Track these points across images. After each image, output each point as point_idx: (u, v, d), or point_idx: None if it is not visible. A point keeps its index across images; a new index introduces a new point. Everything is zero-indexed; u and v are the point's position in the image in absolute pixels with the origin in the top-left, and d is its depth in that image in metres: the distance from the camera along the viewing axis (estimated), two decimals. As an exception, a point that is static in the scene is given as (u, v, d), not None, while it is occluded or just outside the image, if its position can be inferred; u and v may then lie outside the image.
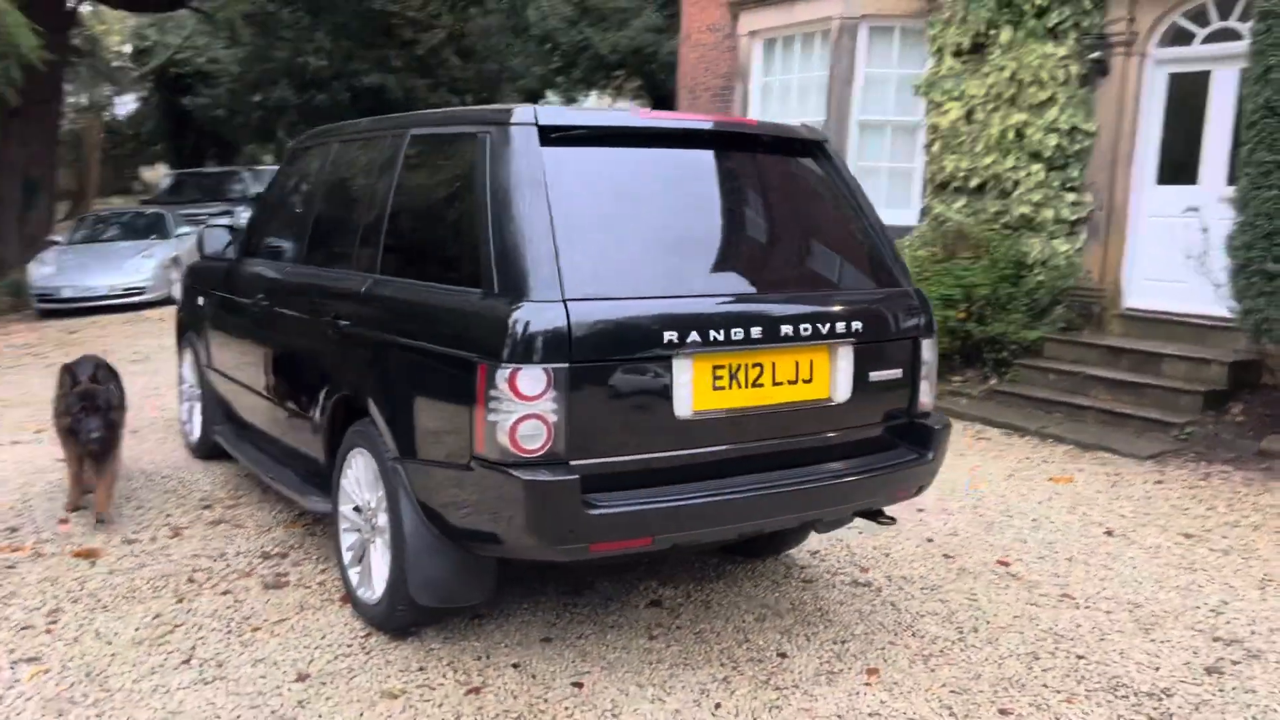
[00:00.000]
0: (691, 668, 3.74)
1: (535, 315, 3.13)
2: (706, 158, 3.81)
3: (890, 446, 3.93)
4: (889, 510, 4.03)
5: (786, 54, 11.30)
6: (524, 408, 3.11)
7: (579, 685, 3.58)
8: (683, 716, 3.40)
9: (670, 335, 3.28)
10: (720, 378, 3.42)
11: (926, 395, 4.01)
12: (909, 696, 3.58)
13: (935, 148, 9.69)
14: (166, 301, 14.10)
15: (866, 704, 3.52)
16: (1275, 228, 6.54)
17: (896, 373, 3.87)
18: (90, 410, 4.86)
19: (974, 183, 9.32)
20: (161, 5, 20.49)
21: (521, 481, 3.10)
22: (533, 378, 3.10)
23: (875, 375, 3.80)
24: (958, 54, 9.44)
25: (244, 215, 18.00)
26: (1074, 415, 7.72)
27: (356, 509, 4.00)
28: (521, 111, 3.47)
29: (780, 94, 11.40)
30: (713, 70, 12.53)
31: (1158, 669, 3.87)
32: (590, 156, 3.56)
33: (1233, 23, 8.03)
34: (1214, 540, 5.29)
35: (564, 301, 3.16)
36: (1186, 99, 8.38)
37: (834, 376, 3.68)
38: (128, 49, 35.78)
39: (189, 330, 6.22)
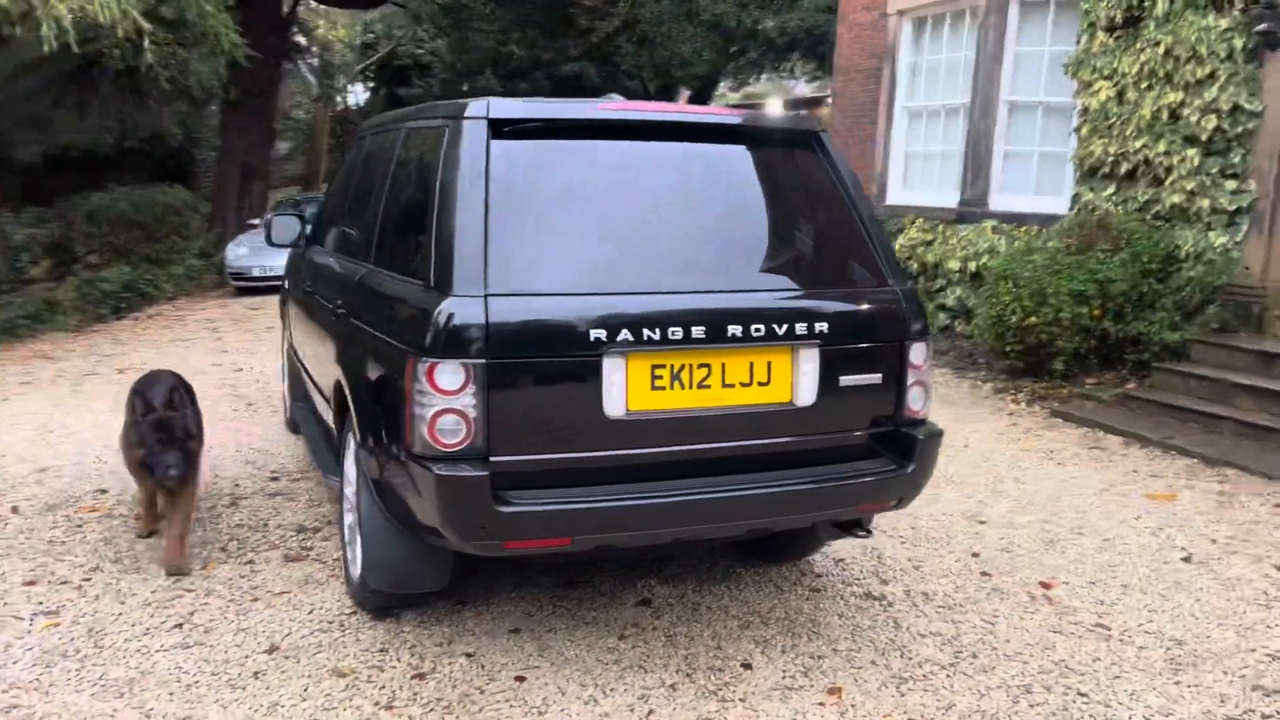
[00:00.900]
0: (646, 671, 3.67)
1: (455, 310, 3.14)
2: (674, 150, 3.70)
3: (873, 455, 3.71)
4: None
5: (935, 33, 10.77)
6: (443, 402, 3.13)
7: (521, 679, 3.58)
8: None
9: (598, 333, 3.21)
10: (660, 378, 3.33)
11: (917, 403, 3.75)
12: (861, 721, 3.39)
13: (1084, 131, 8.99)
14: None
15: (810, 724, 3.36)
16: None
17: (875, 378, 3.64)
18: (166, 442, 4.22)
19: (1123, 169, 8.59)
20: (365, 2, 21.63)
21: (433, 476, 3.13)
22: (451, 372, 3.12)
23: (848, 380, 3.59)
24: (1109, 29, 8.71)
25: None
26: (1209, 426, 7.02)
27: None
28: (476, 105, 3.48)
29: (928, 75, 10.88)
30: (867, 51, 12.08)
31: (1169, 715, 3.49)
32: (547, 150, 3.53)
33: None
34: (1310, 576, 4.71)
35: (485, 297, 3.16)
36: (1370, 73, 7.41)
37: (796, 380, 3.50)
38: (357, 43, 38.16)
39: (282, 312, 6.62)
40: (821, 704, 3.50)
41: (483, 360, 3.12)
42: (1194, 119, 8.03)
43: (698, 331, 3.32)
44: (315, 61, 30.07)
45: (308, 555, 4.65)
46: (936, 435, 3.77)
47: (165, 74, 14.64)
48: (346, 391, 3.90)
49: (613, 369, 3.25)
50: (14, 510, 5.20)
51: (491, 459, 3.18)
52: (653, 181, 3.61)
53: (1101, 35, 8.77)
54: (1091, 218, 8.61)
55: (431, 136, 3.71)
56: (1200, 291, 7.96)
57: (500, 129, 3.45)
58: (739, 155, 3.80)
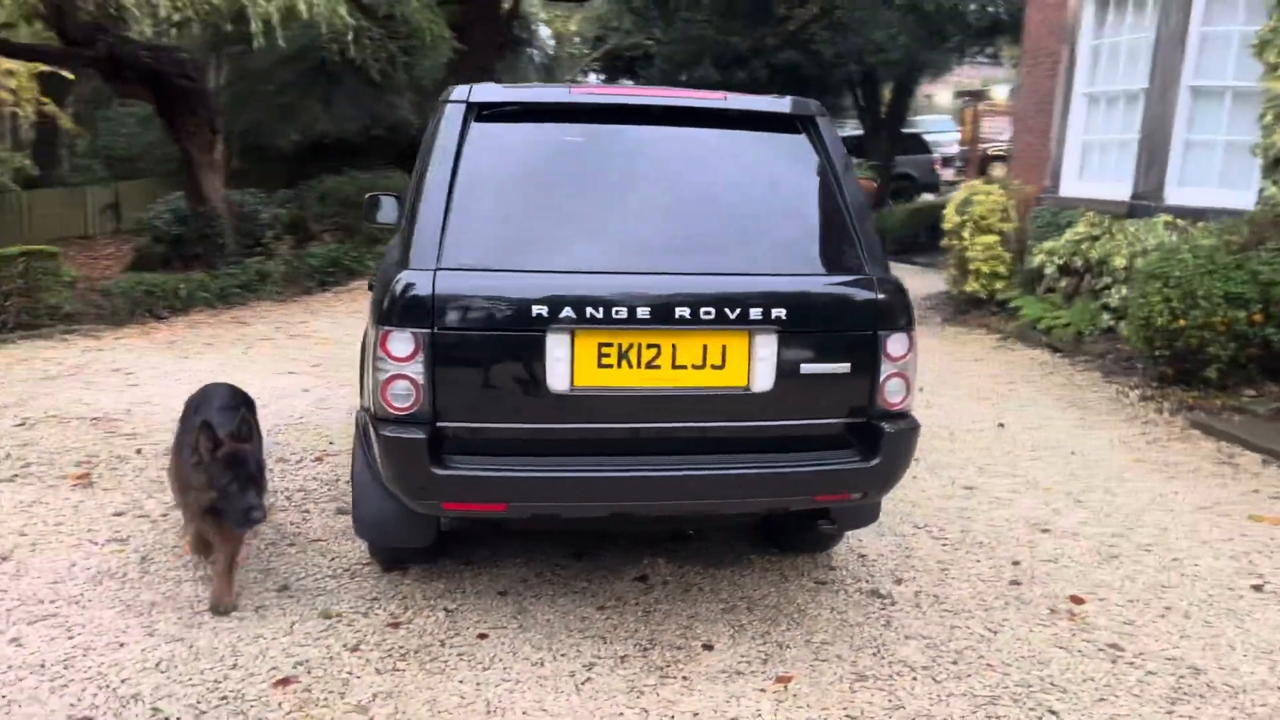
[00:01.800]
0: (607, 642, 3.78)
1: (406, 282, 3.36)
2: (650, 134, 3.76)
3: (846, 445, 3.64)
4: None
5: (1119, 10, 10.04)
6: (395, 368, 3.35)
7: (484, 636, 3.78)
8: (547, 684, 3.48)
9: (540, 310, 3.34)
10: (607, 356, 3.42)
11: (895, 395, 3.64)
12: (794, 711, 3.36)
13: (1268, 118, 8.16)
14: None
15: (739, 707, 3.37)
16: None
17: (843, 367, 3.57)
18: (244, 481, 3.64)
19: (1310, 160, 7.76)
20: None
21: (381, 437, 3.36)
22: (402, 340, 3.34)
23: (810, 368, 3.54)
24: (1300, 4, 7.86)
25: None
26: (1370, 448, 6.28)
27: None
28: (460, 90, 3.68)
29: (1109, 57, 10.17)
30: (1056, 34, 11.42)
31: (1138, 745, 3.26)
32: (523, 133, 3.68)
33: None
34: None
35: (435, 270, 3.35)
36: None
37: (753, 365, 3.49)
38: (590, 35, 39.44)
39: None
40: (762, 690, 3.49)
41: (429, 330, 3.32)
42: (1390, 104, 7.15)
43: (643, 312, 3.38)
44: (539, 54, 31.15)
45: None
46: (909, 430, 3.65)
47: (376, 66, 15.77)
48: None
49: (556, 345, 3.37)
50: (138, 452, 5.89)
51: (438, 424, 3.37)
52: (624, 164, 3.69)
53: (1291, 12, 7.93)
54: (1270, 213, 7.83)
55: (431, 121, 3.94)
56: (1386, 299, 7.10)
57: (481, 112, 3.62)
58: (718, 138, 3.80)
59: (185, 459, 3.84)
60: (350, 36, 13.14)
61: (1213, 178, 9.02)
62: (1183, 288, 7.32)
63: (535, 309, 3.34)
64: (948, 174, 26.37)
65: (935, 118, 35.39)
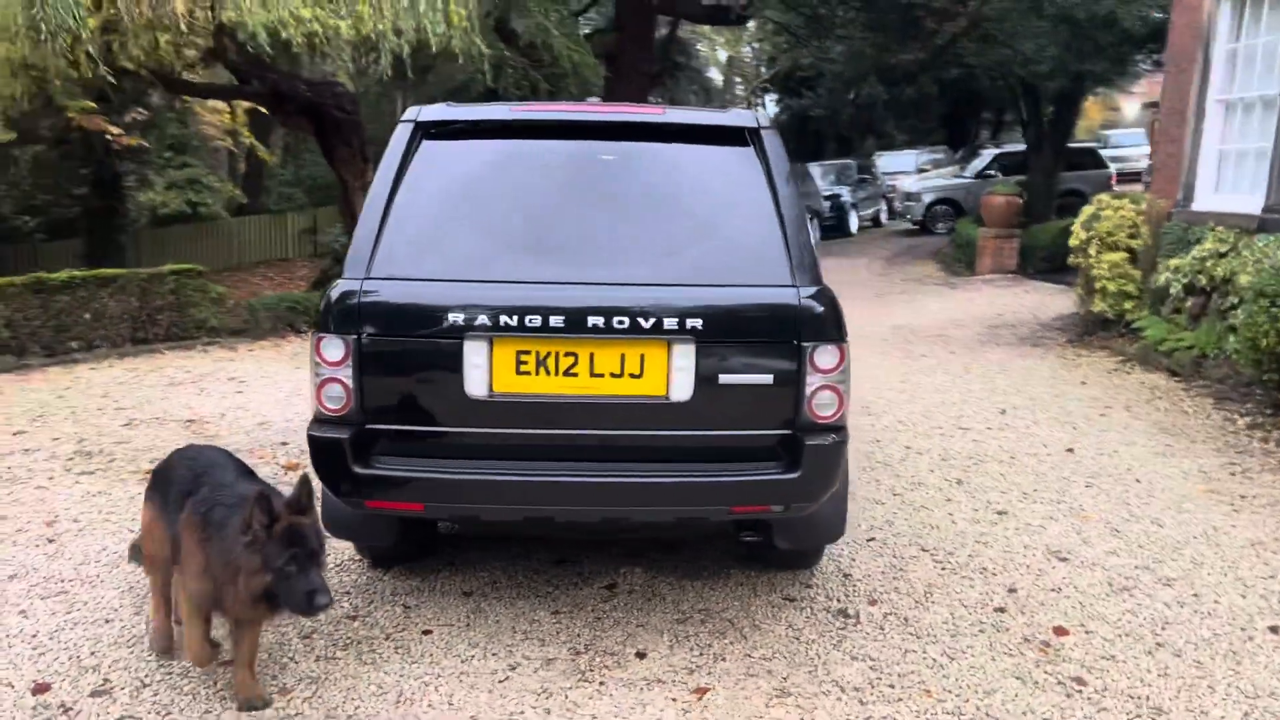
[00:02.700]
0: (543, 644, 3.87)
1: (337, 291, 3.58)
2: (588, 148, 3.84)
3: (769, 457, 3.61)
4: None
5: (1254, 11, 9.34)
6: (329, 372, 3.58)
7: (428, 633, 3.94)
8: (466, 680, 3.60)
9: (456, 318, 3.49)
10: (525, 363, 3.53)
11: (826, 408, 3.58)
12: (697, 722, 3.36)
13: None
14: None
15: (643, 715, 3.39)
16: None
17: (764, 378, 3.54)
18: (305, 561, 3.10)
19: None
20: (733, 19, 22.50)
21: (309, 436, 3.59)
22: (333, 345, 3.56)
23: (730, 378, 3.53)
24: None
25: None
26: None
27: None
28: (411, 110, 3.88)
29: (1245, 61, 9.46)
30: (1200, 38, 10.72)
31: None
32: (466, 149, 3.85)
33: None
34: None
35: (363, 279, 3.56)
36: None
37: (671, 374, 3.52)
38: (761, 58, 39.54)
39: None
40: (674, 699, 3.49)
41: (355, 336, 3.52)
42: None
43: (557, 321, 3.47)
44: (700, 77, 31.46)
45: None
46: (835, 443, 3.57)
47: (518, 95, 16.40)
48: None
49: (473, 352, 3.51)
50: (209, 452, 6.39)
51: (367, 426, 3.57)
52: (560, 178, 3.79)
53: None
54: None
55: None
56: None
57: (430, 131, 3.82)
58: (655, 151, 3.85)
59: (209, 538, 3.22)
60: (486, 66, 13.74)
61: (1354, 189, 8.25)
62: (1290, 306, 6.75)
63: (452, 317, 3.49)
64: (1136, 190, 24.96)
65: (1126, 131, 33.58)
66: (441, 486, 3.53)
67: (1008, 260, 15.74)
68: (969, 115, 34.60)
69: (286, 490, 3.30)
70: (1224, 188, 9.77)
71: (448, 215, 3.72)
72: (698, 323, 3.48)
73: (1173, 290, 9.60)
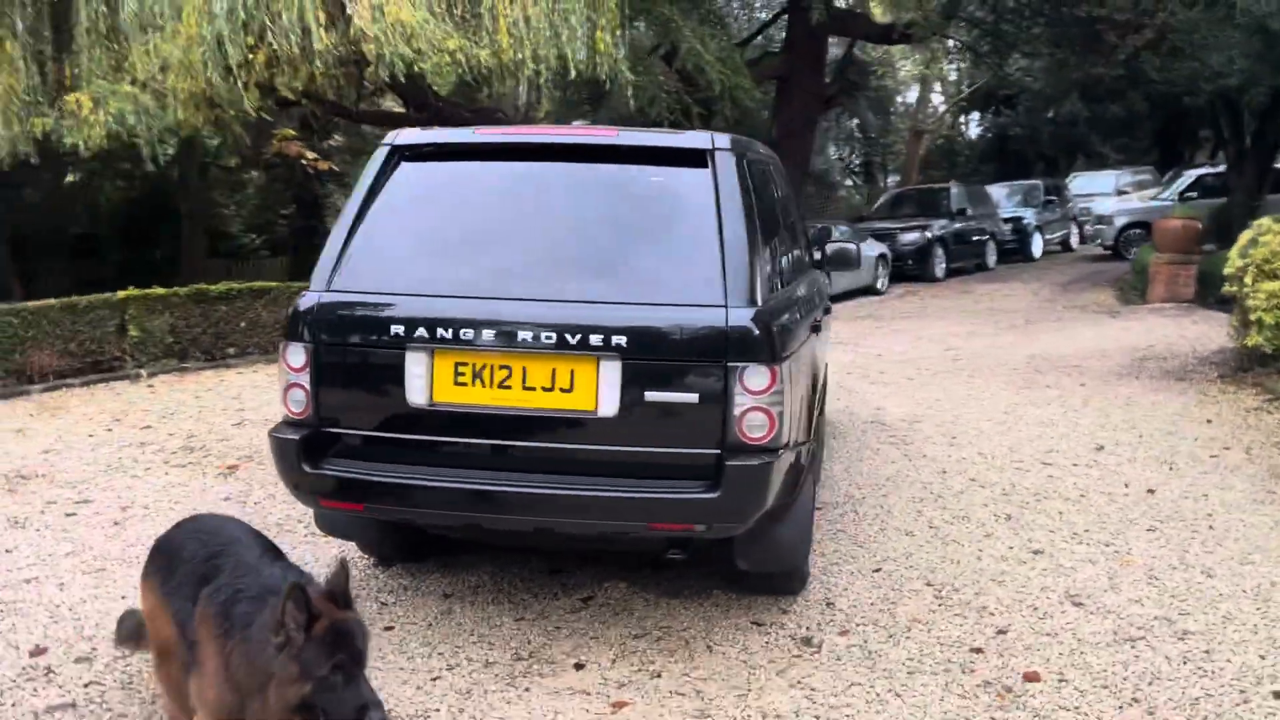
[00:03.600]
0: (490, 648, 3.99)
1: (303, 302, 3.85)
2: (548, 169, 3.96)
3: (696, 475, 3.60)
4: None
5: None
6: (292, 377, 3.85)
7: (389, 629, 4.14)
8: (403, 676, 3.78)
9: (399, 329, 3.68)
10: (463, 374, 3.68)
11: (756, 430, 3.55)
12: (599, 734, 3.40)
13: None
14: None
15: (551, 723, 3.46)
16: None
17: (690, 397, 3.55)
18: (353, 667, 2.56)
19: None
20: (903, 37, 21.99)
21: (269, 436, 3.87)
22: (295, 353, 3.83)
23: (655, 396, 3.56)
24: None
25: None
26: None
27: None
28: (391, 134, 4.12)
29: None
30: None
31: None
32: (435, 171, 4.06)
33: None
34: None
35: (323, 292, 3.81)
36: None
37: (600, 390, 3.59)
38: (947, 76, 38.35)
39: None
40: (588, 710, 3.54)
41: (314, 344, 3.78)
42: None
43: (489, 334, 3.61)
44: (880, 99, 30.80)
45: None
46: (760, 465, 3.52)
47: (669, 119, 16.65)
48: None
49: (414, 362, 3.69)
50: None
51: (323, 429, 3.81)
52: (512, 197, 3.94)
53: None
54: None
55: None
56: None
57: (405, 154, 4.05)
58: (610, 173, 3.92)
59: (231, 639, 2.67)
60: (630, 91, 14.06)
61: None
62: None
63: (394, 328, 3.69)
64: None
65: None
66: (379, 489, 3.72)
67: (1183, 289, 14.64)
68: (1180, 133, 32.38)
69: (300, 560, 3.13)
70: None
71: (408, 233, 3.93)
72: (623, 340, 3.53)
73: (1331, 324, 8.73)
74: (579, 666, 3.86)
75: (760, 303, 3.64)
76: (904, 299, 17.54)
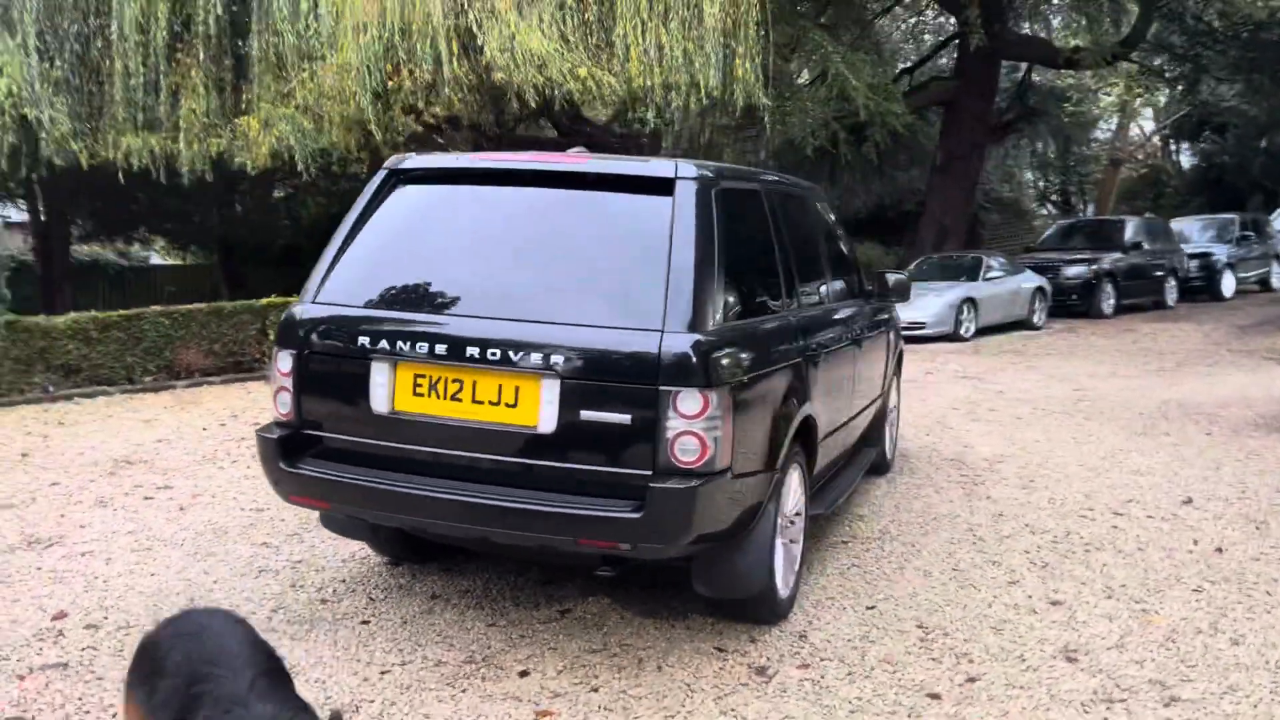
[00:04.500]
0: (449, 649, 4.16)
1: (290, 313, 4.16)
2: (525, 194, 4.14)
3: (628, 495, 3.67)
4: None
5: None
6: (281, 381, 4.16)
7: (365, 624, 4.38)
8: (356, 668, 4.00)
9: (364, 341, 3.93)
10: (420, 386, 3.89)
11: (688, 454, 3.59)
12: (510, 740, 3.51)
13: None
14: (950, 337, 15.36)
15: (469, 725, 3.60)
16: None
17: (623, 418, 3.63)
18: None
19: None
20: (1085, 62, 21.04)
21: (256, 435, 4.18)
22: (283, 359, 4.14)
23: (589, 415, 3.66)
24: None
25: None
26: None
27: None
28: (393, 159, 4.39)
29: None
30: None
31: None
32: (429, 193, 4.31)
33: None
34: None
35: (309, 304, 4.11)
36: None
37: (541, 406, 3.72)
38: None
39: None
40: (510, 715, 3.66)
41: (297, 352, 4.08)
42: None
43: (441, 349, 3.81)
44: (1066, 124, 29.35)
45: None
46: (686, 489, 3.55)
47: (813, 144, 16.57)
48: None
49: (378, 372, 3.92)
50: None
51: (304, 431, 4.10)
52: (489, 219, 4.13)
53: None
54: None
55: None
56: None
57: (404, 177, 4.31)
58: (579, 199, 4.06)
59: None
60: (765, 116, 14.12)
61: None
62: None
63: (360, 340, 3.94)
64: None
65: None
66: (340, 489, 3.96)
67: (1373, 336, 13.36)
68: None
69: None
70: None
71: (389, 250, 4.19)
72: (560, 359, 3.65)
73: None
74: (523, 674, 3.97)
75: (707, 329, 3.68)
76: (1059, 335, 16.71)
